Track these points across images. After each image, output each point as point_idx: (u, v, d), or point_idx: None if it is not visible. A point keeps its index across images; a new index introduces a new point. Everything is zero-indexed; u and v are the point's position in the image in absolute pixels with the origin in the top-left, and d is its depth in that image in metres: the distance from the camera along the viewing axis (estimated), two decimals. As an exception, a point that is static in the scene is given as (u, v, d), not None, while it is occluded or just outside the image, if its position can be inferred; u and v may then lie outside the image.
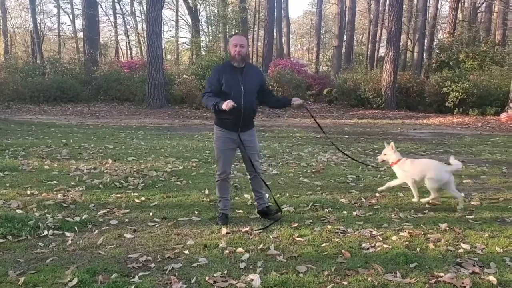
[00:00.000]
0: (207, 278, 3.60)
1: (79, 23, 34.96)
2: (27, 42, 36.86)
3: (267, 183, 5.27)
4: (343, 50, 33.22)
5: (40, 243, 4.29)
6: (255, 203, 5.27)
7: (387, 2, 32.04)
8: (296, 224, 4.90)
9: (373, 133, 13.31)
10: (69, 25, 39.96)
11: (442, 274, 3.66)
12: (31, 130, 12.07)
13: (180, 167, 7.80)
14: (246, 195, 6.04)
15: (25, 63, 24.47)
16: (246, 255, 4.07)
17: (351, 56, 34.41)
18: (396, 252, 4.10)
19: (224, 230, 4.68)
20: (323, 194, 6.21)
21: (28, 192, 5.97)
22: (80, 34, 31.89)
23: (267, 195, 5.23)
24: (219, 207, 5.11)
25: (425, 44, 28.20)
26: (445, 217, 5.18)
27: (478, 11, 29.77)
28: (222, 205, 5.07)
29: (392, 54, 20.51)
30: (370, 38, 35.51)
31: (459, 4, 26.50)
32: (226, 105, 4.51)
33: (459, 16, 27.96)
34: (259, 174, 5.05)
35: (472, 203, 5.79)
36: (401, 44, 23.65)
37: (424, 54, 28.35)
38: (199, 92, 20.38)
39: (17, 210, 5.11)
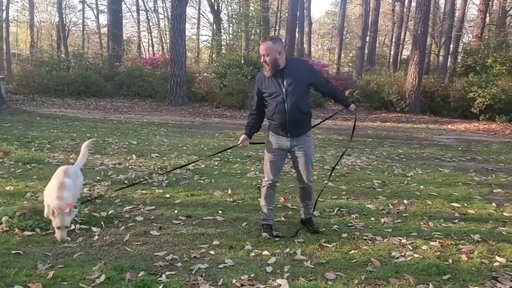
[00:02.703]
0: (234, 280, 3.55)
1: (103, 18, 35.41)
2: (52, 36, 37.33)
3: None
4: (366, 51, 32.87)
5: (67, 237, 4.29)
6: (300, 211, 5.00)
7: (412, 4, 31.78)
8: (322, 229, 4.82)
9: (397, 137, 13.12)
10: (93, 20, 40.33)
11: None
12: (56, 123, 12.19)
13: (203, 166, 7.78)
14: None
15: (50, 57, 24.73)
16: (273, 259, 4.01)
17: (373, 58, 34.01)
18: (428, 263, 3.99)
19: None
20: (349, 199, 6.11)
21: (55, 185, 6.00)
22: (104, 30, 32.17)
23: (311, 208, 4.92)
24: (262, 215, 4.82)
25: (451, 48, 27.74)
26: (476, 228, 5.03)
27: (508, 14, 29.13)
28: (265, 214, 4.77)
29: (418, 57, 20.21)
30: (393, 40, 35.09)
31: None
32: (240, 142, 4.71)
33: (487, 19, 27.42)
34: (308, 186, 4.74)
35: (505, 214, 5.63)
36: (426, 46, 23.25)
37: (449, 58, 27.89)
38: (219, 90, 20.44)
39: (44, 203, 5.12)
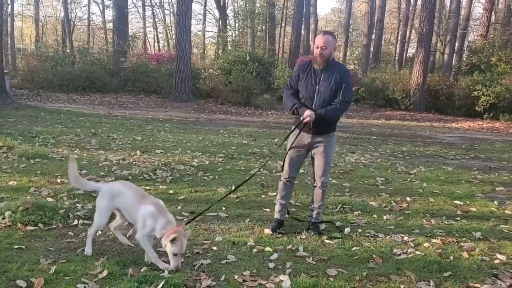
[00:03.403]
0: (236, 276, 3.57)
1: (108, 13, 35.42)
2: (57, 31, 37.36)
3: None
4: (371, 49, 32.78)
5: (70, 232, 4.33)
6: (309, 212, 4.92)
7: (418, 2, 31.60)
8: (325, 226, 4.83)
9: (401, 135, 13.10)
10: (99, 16, 40.22)
11: (478, 285, 3.56)
12: (60, 119, 12.23)
13: (207, 162, 7.80)
14: (271, 193, 5.99)
15: (55, 52, 24.78)
16: (275, 255, 4.03)
17: (379, 56, 33.90)
18: (429, 260, 4.00)
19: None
20: (352, 196, 6.11)
21: (58, 180, 6.04)
22: (110, 25, 32.24)
23: (320, 213, 4.82)
24: (275, 209, 4.88)
25: (456, 46, 27.61)
26: (478, 226, 5.04)
27: (513, 13, 28.90)
28: (277, 208, 4.83)
29: (423, 55, 20.15)
30: (399, 38, 34.93)
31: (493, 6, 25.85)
32: (305, 116, 4.34)
33: (492, 18, 27.23)
34: (322, 186, 4.68)
35: (507, 212, 5.62)
36: (431, 45, 23.16)
37: (454, 56, 27.75)
38: (225, 87, 20.42)
39: (48, 198, 5.16)
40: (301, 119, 4.43)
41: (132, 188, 4.01)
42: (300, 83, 4.60)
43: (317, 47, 4.44)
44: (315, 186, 4.74)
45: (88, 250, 3.86)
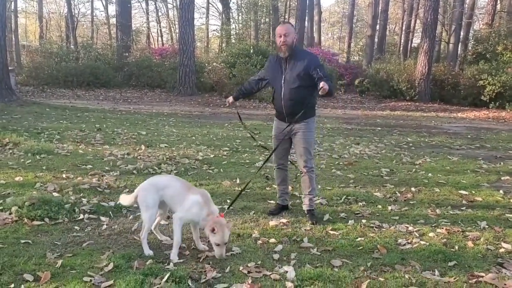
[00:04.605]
0: (241, 267, 3.59)
1: (112, 9, 35.37)
2: (61, 27, 37.44)
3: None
4: (376, 39, 32.59)
5: (76, 227, 4.36)
6: (303, 201, 4.99)
7: (423, -9, 31.35)
8: (329, 217, 4.83)
9: (406, 126, 13.05)
10: (102, 11, 40.28)
11: (482, 274, 3.54)
12: (65, 114, 12.29)
13: (211, 156, 7.82)
14: (276, 186, 5.96)
15: (60, 48, 24.85)
16: (280, 246, 4.04)
17: (383, 46, 33.72)
18: (434, 249, 3.99)
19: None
20: (357, 187, 6.11)
21: (64, 175, 6.07)
22: (113, 20, 32.21)
23: (314, 198, 4.91)
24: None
25: (461, 35, 27.40)
26: (483, 215, 5.02)
27: (519, 1, 28.59)
28: (278, 193, 5.12)
29: (427, 45, 20.03)
30: (403, 28, 34.71)
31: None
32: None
33: (498, 6, 26.96)
34: (306, 172, 4.78)
35: (512, 201, 5.60)
36: (436, 34, 22.99)
37: (460, 46, 27.54)
38: (229, 80, 20.38)
39: (53, 193, 5.19)
40: (318, 88, 4.29)
41: (177, 179, 4.11)
42: (270, 75, 4.85)
43: (280, 36, 4.60)
44: (301, 173, 4.88)
45: (147, 252, 3.82)
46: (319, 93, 4.32)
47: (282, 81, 4.65)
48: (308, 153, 4.76)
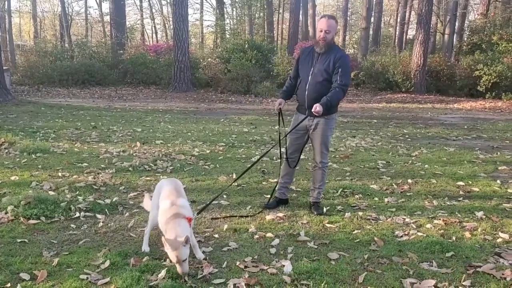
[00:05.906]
0: (237, 262, 3.58)
1: (105, 6, 35.14)
2: (55, 26, 37.23)
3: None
4: (371, 32, 32.50)
5: (72, 225, 4.34)
6: (309, 193, 5.04)
7: (417, -17, 31.26)
8: (326, 210, 4.82)
9: (402, 118, 13.05)
10: (96, 9, 39.93)
11: (480, 264, 3.55)
12: (61, 113, 12.23)
13: (207, 151, 7.80)
14: (272, 180, 5.98)
15: (54, 47, 24.72)
16: (276, 241, 4.03)
17: (378, 39, 33.62)
18: (431, 241, 3.99)
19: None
20: (353, 180, 6.11)
21: (60, 174, 6.05)
22: (107, 18, 32.01)
23: (321, 193, 4.95)
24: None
25: (456, 26, 27.36)
26: (480, 205, 5.03)
27: (513, -9, 28.58)
28: (278, 185, 5.06)
29: (422, 36, 19.98)
30: (398, 19, 34.62)
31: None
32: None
33: (493, -4, 26.95)
34: (320, 167, 4.81)
35: (509, 190, 5.61)
36: (431, 25, 22.94)
37: (455, 36, 27.52)
38: (224, 75, 20.34)
39: (49, 192, 5.17)
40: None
41: (172, 183, 3.99)
42: (300, 66, 4.80)
43: (321, 31, 4.55)
44: (315, 167, 4.86)
45: (144, 247, 3.81)
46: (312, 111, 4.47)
47: (310, 73, 4.63)
48: (325, 148, 4.80)
